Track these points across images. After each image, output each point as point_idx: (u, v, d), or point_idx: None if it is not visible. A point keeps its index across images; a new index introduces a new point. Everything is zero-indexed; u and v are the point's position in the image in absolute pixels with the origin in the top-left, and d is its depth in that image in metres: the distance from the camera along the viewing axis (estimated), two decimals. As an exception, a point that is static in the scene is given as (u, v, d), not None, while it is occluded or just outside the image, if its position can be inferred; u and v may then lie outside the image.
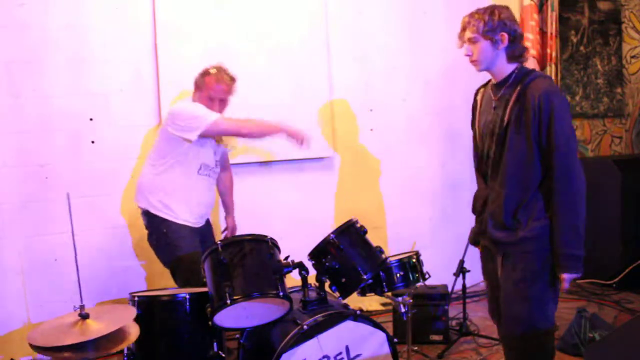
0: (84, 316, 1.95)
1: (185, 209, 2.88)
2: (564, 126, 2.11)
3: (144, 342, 2.28)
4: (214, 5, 3.65)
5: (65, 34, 3.37)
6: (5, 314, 3.31)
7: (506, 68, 2.20)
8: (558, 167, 2.13)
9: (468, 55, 2.22)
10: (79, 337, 1.84)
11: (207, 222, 3.09)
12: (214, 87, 2.92)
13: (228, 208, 3.37)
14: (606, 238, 4.46)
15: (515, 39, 2.17)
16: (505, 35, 2.15)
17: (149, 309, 2.39)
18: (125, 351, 2.40)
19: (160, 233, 2.86)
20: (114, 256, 3.53)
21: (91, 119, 3.44)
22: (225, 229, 3.37)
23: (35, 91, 3.33)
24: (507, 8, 2.20)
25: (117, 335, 1.92)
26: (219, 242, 2.45)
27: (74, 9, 3.38)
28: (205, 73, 2.96)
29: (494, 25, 2.14)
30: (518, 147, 2.15)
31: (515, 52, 2.18)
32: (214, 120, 2.80)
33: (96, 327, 1.90)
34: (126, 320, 2.00)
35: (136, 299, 2.43)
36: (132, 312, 2.08)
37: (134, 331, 1.99)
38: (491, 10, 2.16)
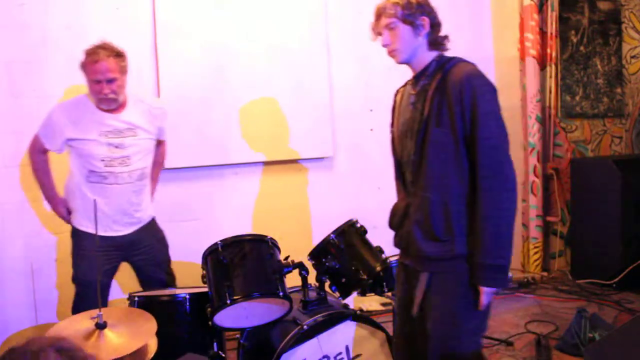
0: (101, 326, 1.77)
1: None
2: (489, 113, 1.83)
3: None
4: (214, 5, 3.65)
5: (65, 34, 3.36)
6: (9, 314, 3.31)
7: (426, 57, 1.96)
8: (483, 161, 1.80)
9: (386, 45, 1.98)
10: (96, 354, 1.64)
11: (144, 226, 2.87)
12: (92, 68, 2.62)
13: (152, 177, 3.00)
14: (606, 238, 4.46)
15: (436, 24, 1.98)
16: (427, 20, 1.94)
17: (148, 308, 2.38)
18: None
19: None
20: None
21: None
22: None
23: (35, 91, 3.33)
24: None
25: (137, 353, 1.72)
26: (219, 242, 2.45)
27: (73, 9, 3.38)
28: (84, 54, 2.67)
29: (412, 9, 1.92)
30: (441, 142, 1.84)
31: (438, 38, 1.96)
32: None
33: (116, 344, 1.70)
34: (147, 334, 1.80)
35: (136, 299, 2.43)
36: (152, 323, 1.88)
37: (153, 345, 1.80)
38: None
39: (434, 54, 1.96)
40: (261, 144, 3.80)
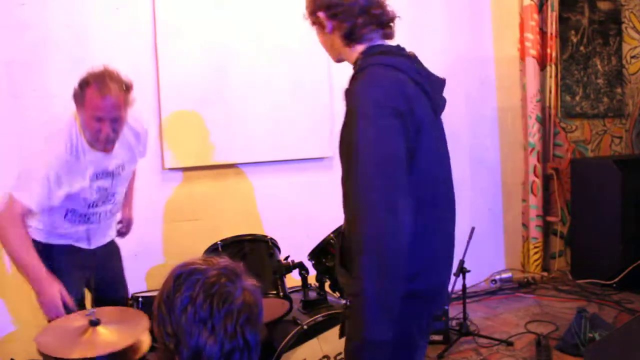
0: (95, 323, 1.79)
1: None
2: (363, 138, 1.43)
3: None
4: (214, 5, 3.65)
5: (65, 34, 3.36)
6: (8, 314, 3.31)
7: (352, 54, 1.65)
8: (349, 200, 1.48)
9: None
10: (90, 349, 1.67)
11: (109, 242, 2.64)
12: (96, 103, 2.16)
13: (126, 195, 2.75)
14: (606, 238, 4.46)
15: (339, 13, 1.58)
16: (322, 15, 1.61)
17: (152, 308, 2.39)
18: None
19: None
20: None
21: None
22: (120, 222, 2.81)
23: (35, 91, 3.33)
24: None
25: (130, 348, 1.74)
26: (219, 242, 2.46)
27: (74, 9, 3.38)
28: (84, 83, 2.20)
29: (311, 7, 1.65)
30: (343, 166, 1.56)
31: (354, 30, 1.59)
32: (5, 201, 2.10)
33: (109, 340, 1.72)
34: (140, 331, 1.81)
35: (140, 299, 2.43)
36: (145, 321, 1.89)
37: (146, 341, 1.81)
38: None
39: (359, 49, 1.62)
40: (261, 144, 3.80)
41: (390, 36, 1.63)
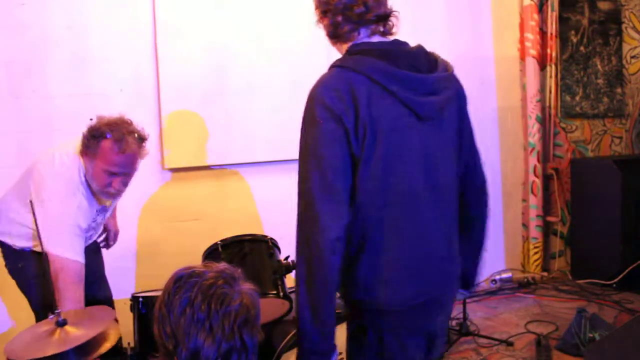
0: (62, 324, 1.76)
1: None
2: (302, 140, 1.48)
3: (147, 342, 2.28)
4: (214, 5, 3.65)
5: (65, 34, 3.36)
6: (6, 315, 3.31)
7: (342, 53, 1.66)
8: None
9: None
10: (59, 346, 1.68)
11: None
12: (114, 159, 2.07)
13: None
14: (606, 238, 4.46)
15: (327, 12, 1.57)
16: (316, 13, 1.63)
17: (152, 309, 2.38)
18: (129, 351, 2.40)
19: None
20: (114, 257, 3.52)
21: (91, 119, 3.43)
22: (105, 231, 2.73)
23: (35, 91, 3.33)
24: None
25: (98, 338, 1.77)
26: (219, 242, 2.46)
27: (74, 9, 3.38)
28: (99, 134, 2.10)
29: (315, 4, 1.62)
30: None
31: (335, 28, 1.58)
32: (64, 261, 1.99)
33: (77, 334, 1.73)
34: (107, 322, 1.84)
35: (140, 299, 2.43)
36: (112, 313, 1.93)
37: (114, 332, 1.83)
38: None
39: (344, 47, 1.62)
40: (262, 144, 3.80)
41: (384, 33, 1.58)
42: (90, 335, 1.74)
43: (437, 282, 1.56)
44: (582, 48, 4.99)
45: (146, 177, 3.57)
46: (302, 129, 1.46)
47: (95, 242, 2.63)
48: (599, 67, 5.08)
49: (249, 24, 3.73)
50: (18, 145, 3.32)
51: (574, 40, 4.96)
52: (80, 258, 2.05)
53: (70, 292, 1.98)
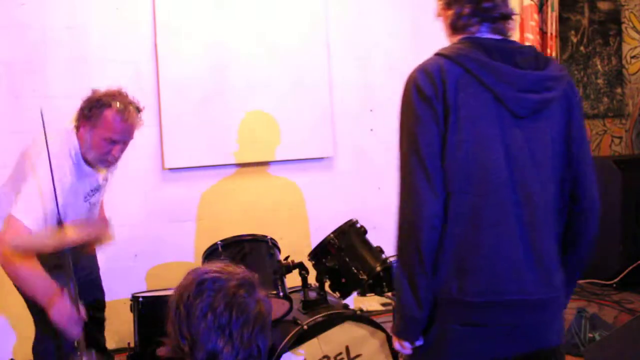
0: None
1: None
2: (399, 117, 1.56)
3: (147, 342, 2.28)
4: (214, 5, 3.65)
5: (65, 34, 3.36)
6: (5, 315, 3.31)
7: None
8: None
9: None
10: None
11: None
12: (117, 127, 2.15)
13: None
14: (606, 238, 4.45)
15: (452, 2, 1.63)
16: (439, 4, 1.68)
17: (153, 309, 2.39)
18: (129, 351, 2.41)
19: None
20: (114, 257, 3.53)
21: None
22: None
23: (35, 91, 3.33)
24: None
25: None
26: (219, 242, 2.46)
27: (74, 9, 3.38)
28: (103, 104, 2.17)
29: None
30: None
31: (458, 20, 1.62)
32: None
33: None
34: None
35: (140, 299, 2.43)
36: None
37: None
38: None
39: (455, 40, 1.67)
40: (262, 144, 3.80)
41: (500, 32, 1.59)
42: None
43: (507, 281, 1.51)
44: (582, 48, 4.99)
45: (146, 176, 3.57)
46: (399, 109, 1.55)
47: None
48: (599, 67, 5.08)
49: (249, 24, 3.73)
50: (18, 145, 3.31)
51: (574, 40, 4.96)
52: (33, 227, 2.02)
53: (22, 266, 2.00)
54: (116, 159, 2.24)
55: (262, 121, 3.80)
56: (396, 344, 1.61)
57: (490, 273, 1.49)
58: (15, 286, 2.13)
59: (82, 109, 2.22)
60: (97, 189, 2.38)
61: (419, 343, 1.57)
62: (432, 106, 1.48)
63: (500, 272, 1.50)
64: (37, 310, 2.17)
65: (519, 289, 1.51)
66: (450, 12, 1.62)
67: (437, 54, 1.60)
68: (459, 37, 1.62)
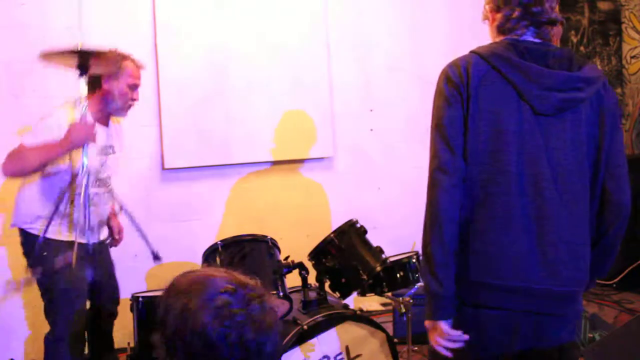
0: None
1: None
2: (432, 109, 1.69)
3: (147, 343, 2.28)
4: (214, 5, 3.65)
5: (65, 34, 3.36)
6: (5, 315, 3.31)
7: None
8: None
9: None
10: None
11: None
12: (136, 73, 2.54)
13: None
14: (606, 238, 4.46)
15: (501, 5, 1.69)
16: (487, 7, 1.76)
17: (153, 309, 2.39)
18: (129, 351, 2.41)
19: None
20: (115, 257, 3.53)
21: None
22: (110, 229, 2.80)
23: (36, 91, 3.33)
24: None
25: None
26: (219, 242, 2.46)
27: (73, 9, 3.38)
28: (119, 58, 2.51)
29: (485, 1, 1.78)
30: None
31: (506, 22, 1.68)
32: None
33: None
34: None
35: (140, 299, 2.43)
36: None
37: None
38: None
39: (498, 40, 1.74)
40: (261, 144, 3.80)
41: (543, 36, 1.69)
42: None
43: (517, 269, 1.57)
44: (582, 48, 4.99)
45: (146, 176, 3.57)
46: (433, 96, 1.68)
47: (102, 242, 2.64)
48: (599, 67, 5.08)
49: (249, 24, 3.73)
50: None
51: (574, 40, 4.96)
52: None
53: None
54: (135, 102, 2.57)
55: (262, 121, 3.80)
56: (436, 340, 1.61)
57: (493, 259, 1.57)
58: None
59: (95, 74, 2.50)
60: (102, 150, 2.53)
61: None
62: (458, 91, 1.62)
63: (504, 259, 1.57)
64: (51, 312, 2.40)
65: (523, 277, 1.57)
66: (499, 15, 1.69)
67: (472, 51, 1.72)
68: (502, 38, 1.69)
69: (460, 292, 1.61)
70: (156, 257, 2.62)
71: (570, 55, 1.67)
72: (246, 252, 2.43)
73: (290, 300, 2.38)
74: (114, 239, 2.78)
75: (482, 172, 1.58)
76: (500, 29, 1.70)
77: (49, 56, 2.39)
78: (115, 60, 2.47)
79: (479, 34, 5.01)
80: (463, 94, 1.61)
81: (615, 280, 4.31)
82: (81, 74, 2.37)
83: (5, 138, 3.29)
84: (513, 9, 1.65)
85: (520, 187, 1.57)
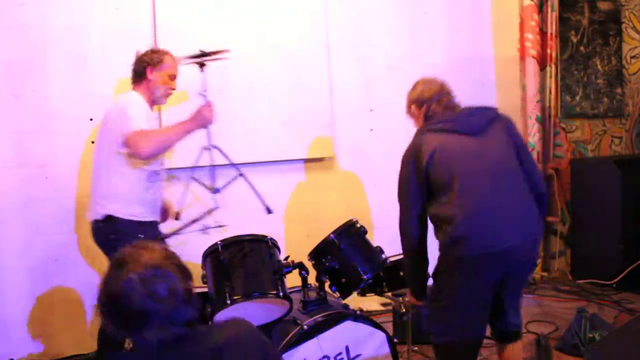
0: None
1: None
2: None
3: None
4: (214, 5, 3.65)
5: (65, 34, 3.36)
6: (6, 314, 3.31)
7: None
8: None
9: None
10: None
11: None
12: (175, 65, 2.90)
13: None
14: (606, 238, 4.46)
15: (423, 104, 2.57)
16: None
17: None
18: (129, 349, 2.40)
19: None
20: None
21: (91, 119, 3.44)
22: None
23: (35, 91, 3.33)
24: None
25: None
26: (219, 242, 2.46)
27: (74, 9, 3.38)
28: (162, 52, 2.92)
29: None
30: None
31: (427, 113, 2.57)
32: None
33: None
34: None
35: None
36: None
37: None
38: None
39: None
40: (262, 144, 3.80)
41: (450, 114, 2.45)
42: None
43: (507, 234, 2.16)
44: (582, 48, 4.99)
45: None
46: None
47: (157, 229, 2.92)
48: (599, 67, 5.08)
49: (249, 24, 3.73)
50: (18, 145, 3.31)
51: (574, 40, 4.96)
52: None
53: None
54: (173, 90, 2.91)
55: (262, 121, 3.79)
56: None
57: (481, 237, 2.16)
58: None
59: (137, 67, 2.86)
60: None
61: None
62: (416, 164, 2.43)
63: (491, 233, 2.16)
64: None
65: (498, 241, 2.14)
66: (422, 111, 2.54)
67: (418, 132, 2.53)
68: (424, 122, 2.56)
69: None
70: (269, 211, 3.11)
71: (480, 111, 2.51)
72: (246, 252, 2.43)
73: (290, 300, 2.38)
74: (165, 217, 3.12)
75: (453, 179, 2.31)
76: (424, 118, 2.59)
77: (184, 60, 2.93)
78: (156, 55, 2.89)
79: (479, 34, 5.04)
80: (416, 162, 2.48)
81: (615, 280, 4.31)
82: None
83: (5, 138, 3.30)
84: (430, 105, 2.53)
85: (482, 182, 2.29)
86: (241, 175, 3.18)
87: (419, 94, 2.53)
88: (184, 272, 1.41)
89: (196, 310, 1.42)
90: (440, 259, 2.27)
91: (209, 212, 3.18)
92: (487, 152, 2.25)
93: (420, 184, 2.28)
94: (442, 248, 2.24)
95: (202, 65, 2.98)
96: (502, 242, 2.12)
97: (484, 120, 2.35)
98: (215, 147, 3.10)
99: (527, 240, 2.18)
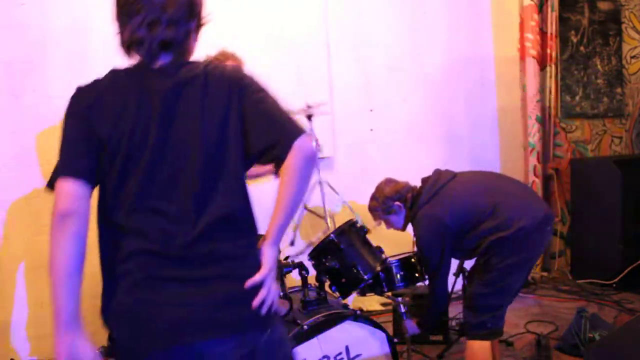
0: None
1: None
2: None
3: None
4: (214, 5, 3.64)
5: (65, 34, 3.36)
6: (6, 315, 3.31)
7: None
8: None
9: None
10: None
11: None
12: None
13: None
14: (606, 238, 4.46)
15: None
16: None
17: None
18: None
19: None
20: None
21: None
22: None
23: (35, 91, 3.33)
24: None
25: None
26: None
27: (74, 9, 3.38)
28: (222, 57, 2.87)
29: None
30: None
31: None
32: None
33: None
34: None
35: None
36: None
37: None
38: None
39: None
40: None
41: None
42: None
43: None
44: (582, 48, 4.99)
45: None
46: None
47: None
48: (599, 67, 5.08)
49: (249, 24, 3.73)
50: (18, 145, 3.31)
51: (574, 40, 4.96)
52: None
53: None
54: None
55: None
56: None
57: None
58: None
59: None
60: None
61: None
62: None
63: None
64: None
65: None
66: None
67: None
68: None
69: None
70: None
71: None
72: (246, 252, 2.43)
73: (290, 300, 2.38)
74: None
75: None
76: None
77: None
78: (220, 59, 2.91)
79: (479, 34, 5.05)
80: None
81: (615, 280, 4.31)
82: None
83: (5, 138, 3.30)
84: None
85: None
86: None
87: (394, 190, 2.82)
88: None
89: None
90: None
91: None
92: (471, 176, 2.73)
93: (450, 248, 2.51)
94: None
95: None
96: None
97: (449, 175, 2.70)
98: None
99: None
